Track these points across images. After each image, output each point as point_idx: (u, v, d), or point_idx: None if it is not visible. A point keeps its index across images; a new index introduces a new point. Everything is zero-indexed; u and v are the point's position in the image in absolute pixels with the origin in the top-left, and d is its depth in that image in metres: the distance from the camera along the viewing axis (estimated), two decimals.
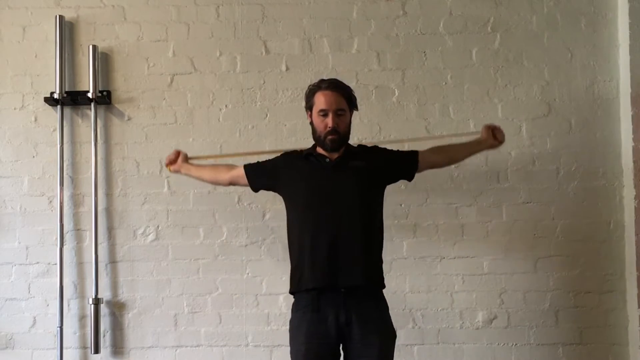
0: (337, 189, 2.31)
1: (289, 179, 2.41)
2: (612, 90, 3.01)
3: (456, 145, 2.60)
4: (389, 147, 2.54)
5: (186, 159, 2.68)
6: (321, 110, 2.31)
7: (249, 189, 2.54)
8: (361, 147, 2.50)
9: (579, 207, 2.98)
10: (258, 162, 2.57)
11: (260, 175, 2.51)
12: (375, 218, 2.37)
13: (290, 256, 2.38)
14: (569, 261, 2.97)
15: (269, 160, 2.54)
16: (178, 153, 2.68)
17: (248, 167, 2.55)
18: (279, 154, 2.56)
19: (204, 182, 2.73)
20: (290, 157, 2.49)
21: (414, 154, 2.49)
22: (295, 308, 2.32)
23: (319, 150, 2.39)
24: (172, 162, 2.68)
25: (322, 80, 2.38)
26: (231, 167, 2.61)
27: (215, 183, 2.72)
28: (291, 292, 2.36)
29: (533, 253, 2.98)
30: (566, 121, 3.01)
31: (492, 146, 2.56)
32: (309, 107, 2.38)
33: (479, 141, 2.56)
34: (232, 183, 2.61)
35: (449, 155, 2.58)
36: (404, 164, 2.47)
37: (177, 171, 2.69)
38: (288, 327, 2.34)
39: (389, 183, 2.48)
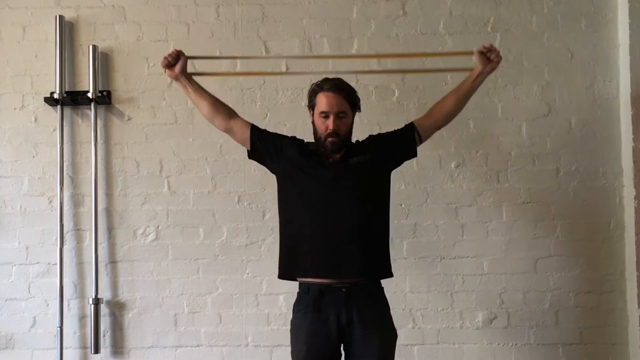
0: (340, 187, 2.30)
1: (291, 167, 2.36)
2: (612, 90, 3.01)
3: (453, 91, 2.46)
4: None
5: (185, 68, 2.42)
6: (322, 112, 2.29)
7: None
8: (358, 143, 2.45)
9: (579, 207, 2.98)
10: (267, 131, 2.45)
11: (265, 147, 2.40)
12: (379, 211, 2.36)
13: (285, 241, 2.35)
14: (569, 261, 2.97)
15: (278, 136, 2.45)
16: (178, 55, 2.41)
17: (255, 130, 2.42)
18: (287, 135, 2.48)
19: (197, 107, 2.49)
20: (299, 145, 2.42)
21: (409, 129, 2.42)
22: (296, 308, 2.32)
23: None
24: (169, 65, 2.40)
25: (325, 80, 2.34)
26: (234, 113, 2.46)
27: (210, 118, 2.46)
28: (282, 278, 2.36)
29: (533, 253, 2.98)
30: (566, 121, 3.01)
31: (492, 69, 2.40)
32: (311, 106, 2.35)
33: (477, 72, 2.40)
34: (227, 130, 2.46)
35: (450, 104, 2.43)
36: (403, 144, 2.42)
37: (174, 78, 2.45)
38: (289, 327, 2.34)
39: (395, 167, 2.45)
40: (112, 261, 3.01)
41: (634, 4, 2.94)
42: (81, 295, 3.01)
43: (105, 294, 2.99)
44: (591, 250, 2.97)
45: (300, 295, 2.32)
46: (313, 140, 2.39)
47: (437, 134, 2.99)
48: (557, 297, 2.96)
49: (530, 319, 2.96)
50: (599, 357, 2.95)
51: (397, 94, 3.02)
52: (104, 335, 2.98)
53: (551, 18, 3.04)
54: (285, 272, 2.36)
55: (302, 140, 2.45)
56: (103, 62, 3.05)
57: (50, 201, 3.02)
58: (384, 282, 2.35)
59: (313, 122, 2.36)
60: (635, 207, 2.89)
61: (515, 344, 2.96)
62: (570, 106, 3.02)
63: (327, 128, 2.28)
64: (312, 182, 2.32)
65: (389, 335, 2.31)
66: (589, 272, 2.97)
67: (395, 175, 2.97)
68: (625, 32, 2.96)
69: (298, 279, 2.32)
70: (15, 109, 3.05)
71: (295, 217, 2.33)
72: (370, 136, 2.48)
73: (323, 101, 2.29)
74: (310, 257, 2.27)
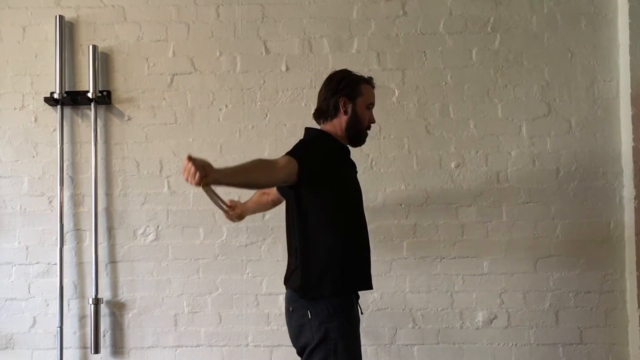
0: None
1: (342, 175, 2.24)
2: (612, 90, 3.01)
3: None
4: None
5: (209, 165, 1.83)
6: (371, 104, 2.31)
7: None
8: None
9: (579, 207, 2.98)
10: (311, 154, 2.13)
11: (317, 173, 2.10)
12: None
13: (343, 254, 2.18)
14: (569, 261, 2.97)
15: (324, 152, 2.19)
16: (198, 165, 1.77)
17: (303, 163, 2.05)
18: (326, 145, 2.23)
19: (250, 189, 2.11)
20: (338, 149, 2.27)
21: None
22: (344, 308, 2.18)
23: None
24: (200, 178, 1.77)
25: (355, 74, 2.30)
26: (275, 162, 2.03)
27: (270, 183, 2.12)
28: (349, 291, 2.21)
29: (533, 253, 2.98)
30: (566, 121, 3.01)
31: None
32: (354, 95, 2.25)
33: None
34: (285, 182, 2.07)
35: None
36: None
37: (216, 183, 1.84)
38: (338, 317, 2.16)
39: None
40: (112, 261, 3.01)
41: (634, 4, 2.94)
42: (81, 295, 3.01)
43: (105, 294, 2.99)
44: (591, 250, 2.97)
45: (347, 297, 2.21)
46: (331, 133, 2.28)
47: (437, 133, 3.01)
48: (557, 297, 2.96)
49: (530, 319, 2.96)
50: (599, 357, 2.94)
51: (397, 93, 3.02)
52: (104, 335, 2.98)
53: (551, 18, 3.04)
54: (355, 284, 2.23)
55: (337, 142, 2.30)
56: (103, 62, 3.05)
57: (50, 201, 3.02)
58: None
59: (355, 112, 2.25)
60: (635, 207, 2.89)
61: (515, 344, 2.96)
62: (570, 106, 3.01)
63: (370, 120, 2.32)
64: (357, 185, 2.33)
65: None
66: (589, 272, 2.97)
67: (395, 175, 3.00)
68: (625, 32, 2.96)
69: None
70: (15, 109, 3.05)
71: (357, 224, 2.26)
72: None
73: (371, 93, 2.31)
74: (369, 266, 2.28)
